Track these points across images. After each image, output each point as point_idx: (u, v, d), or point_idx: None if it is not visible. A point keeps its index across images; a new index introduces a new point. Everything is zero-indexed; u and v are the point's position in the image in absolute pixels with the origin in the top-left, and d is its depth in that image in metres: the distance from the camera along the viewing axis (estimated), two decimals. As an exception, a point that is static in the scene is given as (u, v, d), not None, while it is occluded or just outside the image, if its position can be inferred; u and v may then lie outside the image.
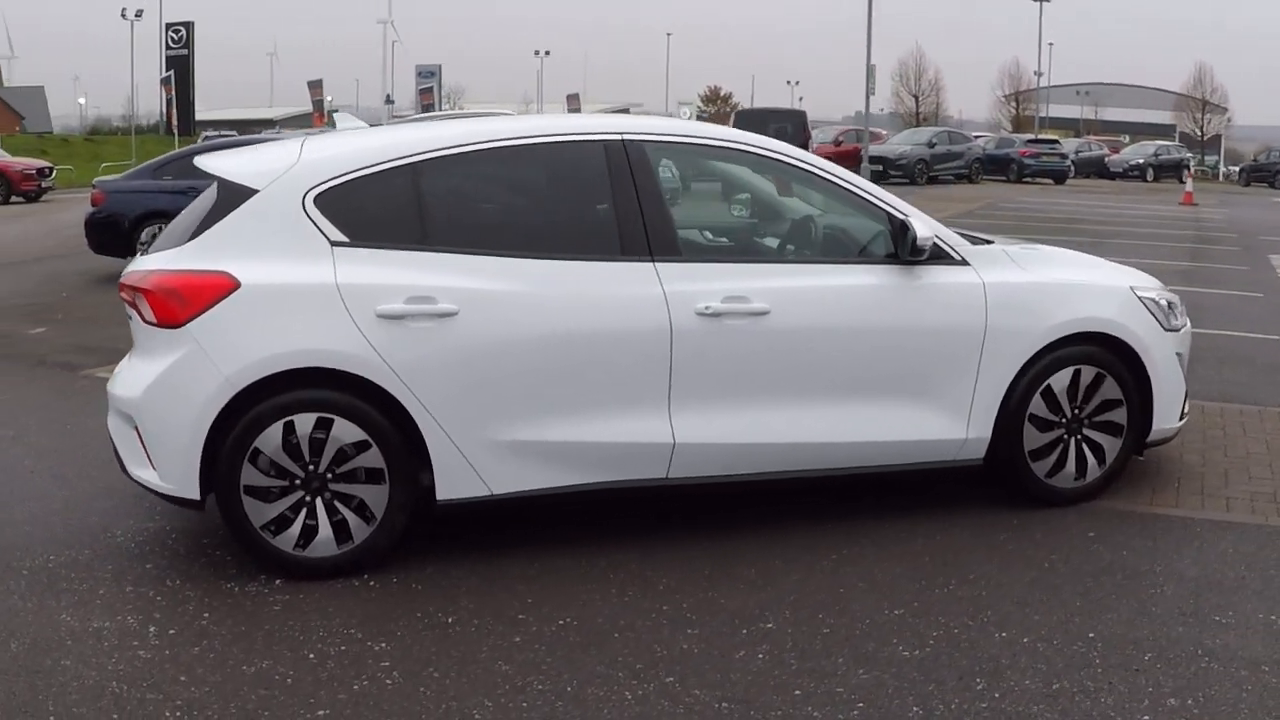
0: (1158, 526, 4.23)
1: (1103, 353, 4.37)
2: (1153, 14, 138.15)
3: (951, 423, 4.20)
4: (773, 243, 4.41)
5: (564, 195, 4.01)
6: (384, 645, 3.27)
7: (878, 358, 4.09)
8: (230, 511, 3.65)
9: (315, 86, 49.85)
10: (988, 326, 4.17)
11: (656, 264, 3.87)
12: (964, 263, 4.23)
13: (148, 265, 3.77)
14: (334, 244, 3.69)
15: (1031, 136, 39.71)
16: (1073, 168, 35.14)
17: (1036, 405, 4.30)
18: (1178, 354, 4.61)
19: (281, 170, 3.76)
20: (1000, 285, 4.22)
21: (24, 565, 3.80)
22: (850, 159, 25.78)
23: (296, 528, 3.68)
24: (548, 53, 76.82)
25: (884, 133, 37.39)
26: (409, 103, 51.60)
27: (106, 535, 4.09)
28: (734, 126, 24.06)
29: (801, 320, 3.98)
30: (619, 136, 3.97)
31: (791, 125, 23.24)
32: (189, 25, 30.06)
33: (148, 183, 11.71)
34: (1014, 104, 70.75)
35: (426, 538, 3.95)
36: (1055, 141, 36.93)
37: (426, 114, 21.61)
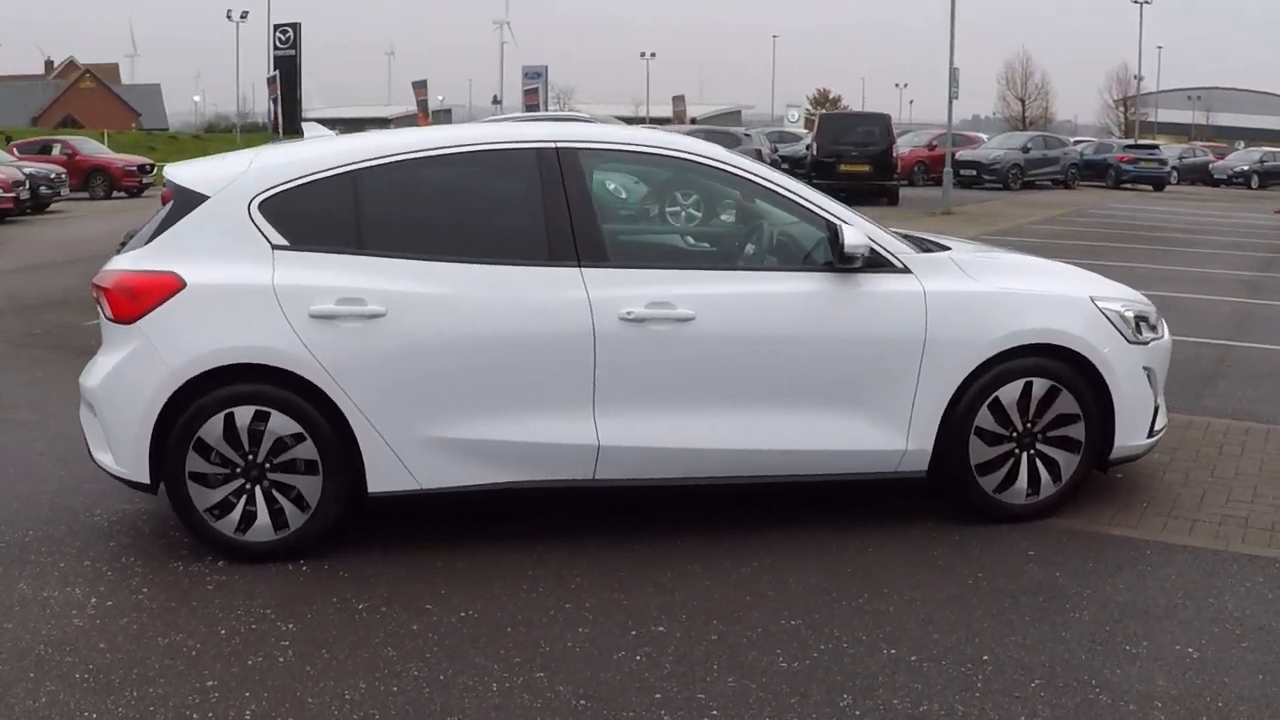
0: (1105, 548, 4.15)
1: (1057, 365, 4.30)
2: (1270, 13, 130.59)
3: (890, 434, 4.19)
4: (708, 249, 4.47)
5: (496, 201, 4.16)
6: (291, 626, 3.48)
7: (810, 366, 4.12)
8: (177, 496, 3.92)
9: (419, 86, 51.40)
10: (928, 336, 4.15)
11: (583, 269, 3.99)
12: (905, 270, 4.22)
13: (113, 266, 4.07)
14: (275, 247, 3.93)
15: (1131, 141, 38.35)
16: (1174, 174, 33.78)
17: (983, 418, 4.26)
18: (1146, 368, 4.50)
19: (231, 178, 4.02)
20: (942, 294, 4.20)
21: (3, 539, 4.13)
22: (943, 163, 25.54)
23: (237, 513, 3.93)
24: (654, 55, 77.34)
25: (982, 136, 36.66)
26: (517, 103, 52.59)
27: (86, 515, 4.42)
28: (817, 129, 24.08)
29: (728, 327, 4.04)
30: (552, 144, 4.11)
31: (876, 128, 22.99)
32: (296, 26, 31.15)
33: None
34: (1122, 109, 68.12)
35: (373, 528, 4.15)
36: (1155, 147, 35.68)
37: (528, 114, 21.69)
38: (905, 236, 5.06)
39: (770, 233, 4.42)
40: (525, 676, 3.16)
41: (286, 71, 30.60)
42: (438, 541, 4.15)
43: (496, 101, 70.41)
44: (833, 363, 4.14)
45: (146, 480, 3.93)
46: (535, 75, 52.03)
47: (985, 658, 3.29)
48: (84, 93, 72.32)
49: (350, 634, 3.43)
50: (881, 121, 23.78)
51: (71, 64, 76.71)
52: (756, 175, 4.26)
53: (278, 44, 31.67)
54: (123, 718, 2.93)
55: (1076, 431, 4.38)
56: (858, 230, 4.12)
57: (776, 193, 4.25)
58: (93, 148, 28.24)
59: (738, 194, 4.57)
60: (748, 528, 4.31)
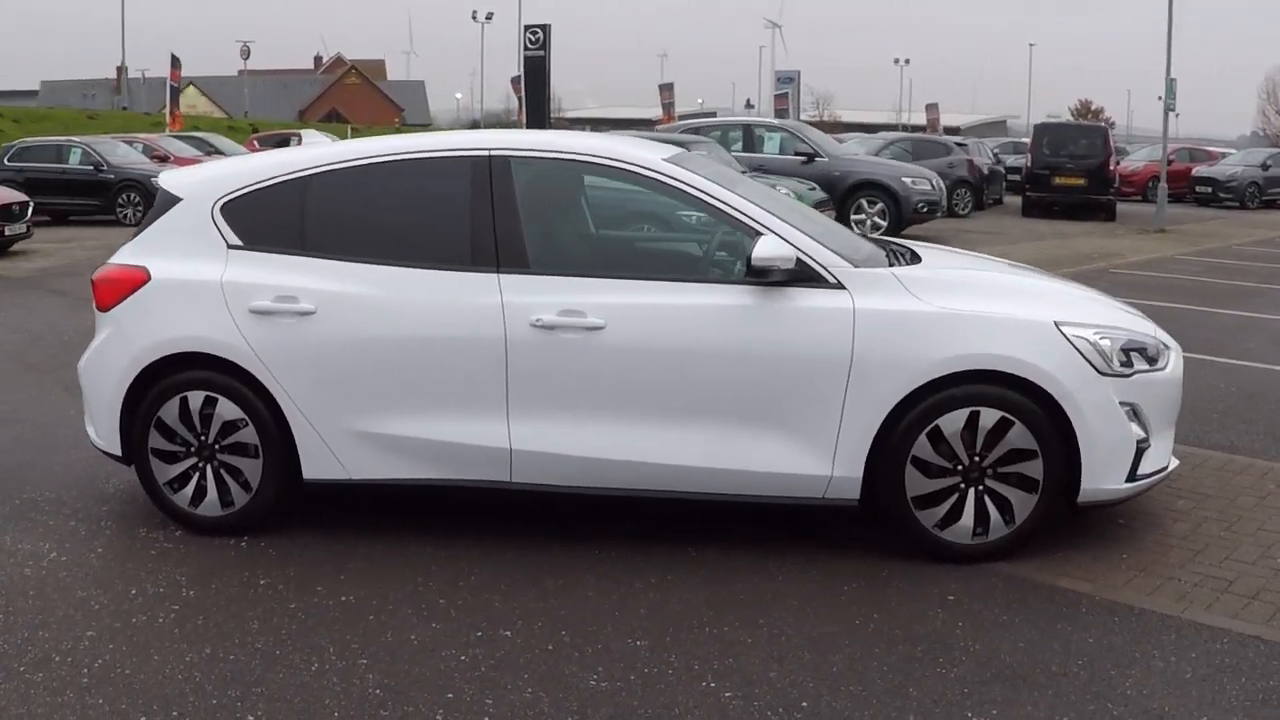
0: (1037, 600, 3.92)
1: (1009, 395, 4.09)
2: None
3: (812, 458, 4.14)
4: (634, 258, 4.54)
5: (429, 207, 4.46)
6: (192, 593, 3.97)
7: (724, 381, 4.14)
8: (141, 468, 4.53)
9: (665, 89, 53.60)
10: (855, 357, 4.07)
11: (501, 275, 4.23)
12: (839, 286, 4.14)
13: (109, 261, 4.71)
14: (230, 247, 4.44)
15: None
16: None
17: (921, 447, 4.12)
18: (1128, 403, 4.17)
19: (202, 182, 4.55)
20: (874, 313, 4.09)
21: (17, 497, 4.91)
22: (1182, 178, 23.84)
23: (191, 488, 4.48)
24: (908, 61, 76.02)
25: (1230, 152, 33.77)
26: (770, 107, 53.28)
27: (96, 480, 5.13)
28: (1032, 141, 22.91)
29: (637, 338, 4.15)
30: (486, 151, 4.37)
31: (1094, 141, 22.08)
32: (545, 28, 32.97)
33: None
34: None
35: (354, 514, 4.59)
36: None
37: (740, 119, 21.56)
38: (891, 247, 4.95)
39: (702, 243, 4.45)
40: (348, 662, 3.46)
41: (535, 71, 32.08)
42: (383, 530, 4.51)
43: (749, 106, 71.53)
44: (749, 379, 4.14)
45: (119, 453, 4.55)
46: (787, 80, 52.54)
47: (805, 704, 3.24)
48: (350, 88, 79.47)
49: (234, 606, 3.86)
50: (1099, 134, 22.94)
51: (339, 60, 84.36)
52: (681, 181, 4.30)
53: (528, 44, 33.45)
54: (1, 654, 3.48)
55: (1033, 469, 4.14)
56: (775, 242, 4.09)
57: (703, 200, 4.29)
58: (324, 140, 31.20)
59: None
60: (676, 542, 4.38)
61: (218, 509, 4.48)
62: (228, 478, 4.46)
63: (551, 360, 4.20)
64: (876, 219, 15.86)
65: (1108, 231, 18.78)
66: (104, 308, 4.54)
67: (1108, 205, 21.22)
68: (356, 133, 45.52)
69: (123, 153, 21.51)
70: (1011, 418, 4.10)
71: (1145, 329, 4.47)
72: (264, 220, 4.48)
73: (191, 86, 72.79)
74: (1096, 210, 21.07)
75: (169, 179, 4.70)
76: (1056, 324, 4.16)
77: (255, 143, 30.74)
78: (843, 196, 15.76)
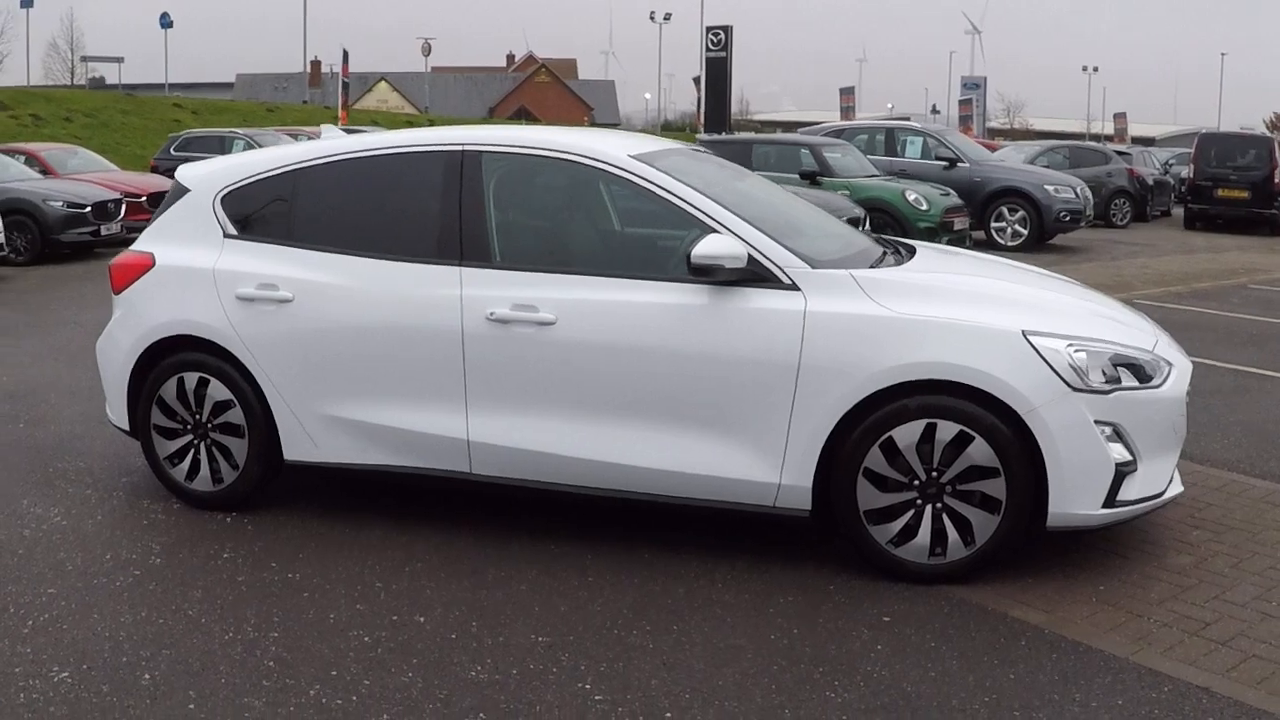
0: (973, 630, 3.75)
1: (968, 407, 3.93)
2: None
3: (760, 464, 4.11)
4: (597, 253, 4.57)
5: (404, 200, 4.66)
6: (158, 561, 4.34)
7: (671, 381, 4.16)
8: (144, 443, 4.95)
9: (846, 93, 53.35)
10: (803, 361, 4.01)
11: (463, 268, 4.39)
12: (792, 287, 4.08)
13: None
14: (226, 236, 4.79)
15: None
16: None
17: (875, 459, 4.02)
18: (1105, 422, 3.93)
19: (208, 174, 4.93)
20: (825, 316, 4.02)
21: (52, 465, 5.44)
22: None
23: (186, 463, 4.87)
24: (1095, 69, 74.70)
25: None
26: (955, 114, 52.25)
27: (126, 456, 5.59)
28: (1195, 151, 21.42)
29: (588, 334, 4.21)
30: (459, 147, 4.53)
31: (1259, 152, 20.75)
32: (727, 29, 33.46)
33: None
34: None
35: (355, 496, 4.90)
36: None
37: (822, 125, 21.03)
38: (894, 247, 4.86)
39: (663, 240, 4.46)
40: (260, 634, 3.70)
41: (717, 73, 32.51)
42: (362, 512, 4.78)
43: (935, 112, 69.97)
44: (698, 380, 4.14)
45: (127, 428, 4.99)
46: (973, 86, 51.27)
47: (669, 714, 3.22)
48: (539, 86, 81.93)
49: (189, 575, 4.19)
50: (1265, 145, 21.48)
51: (530, 58, 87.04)
52: (642, 177, 4.33)
53: (709, 45, 33.94)
54: (-28, 603, 3.92)
55: (995, 488, 3.96)
56: (722, 239, 4.06)
57: (663, 197, 4.30)
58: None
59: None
60: (643, 543, 4.44)
61: (210, 484, 4.84)
62: (218, 455, 4.82)
63: (505, 354, 4.33)
64: (1017, 227, 15.29)
65: (1267, 247, 17.38)
66: (116, 291, 4.98)
67: (1271, 220, 19.94)
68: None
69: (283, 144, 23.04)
70: (971, 432, 3.94)
71: (1141, 344, 4.19)
72: (256, 211, 4.80)
73: (384, 82, 77.07)
74: (1260, 225, 19.93)
75: (183, 171, 5.10)
76: (1025, 333, 3.96)
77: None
78: (983, 203, 15.36)
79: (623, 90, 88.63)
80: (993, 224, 15.39)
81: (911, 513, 4.05)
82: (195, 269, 4.77)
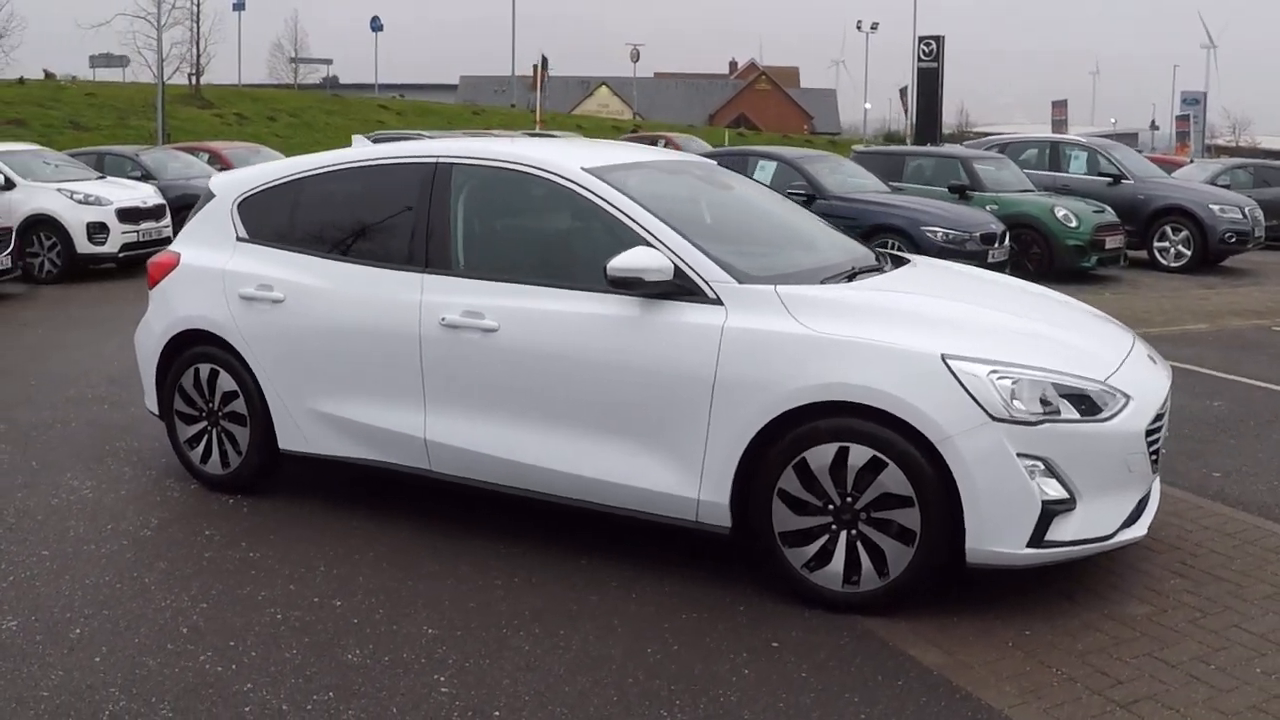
0: (857, 666, 3.70)
1: (882, 432, 3.88)
2: None
3: (682, 479, 4.20)
4: (545, 263, 4.73)
5: (384, 209, 5.01)
6: (148, 534, 4.89)
7: (600, 391, 4.31)
8: (168, 427, 5.53)
9: (1059, 106, 51.48)
10: (718, 377, 4.08)
11: (425, 275, 4.71)
12: (716, 301, 4.16)
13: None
14: (238, 239, 5.32)
15: None
16: None
17: (789, 480, 4.04)
18: (1030, 455, 3.79)
19: (231, 181, 5.48)
20: (742, 332, 4.07)
21: (109, 445, 6.16)
22: None
23: (201, 447, 5.42)
24: None
25: None
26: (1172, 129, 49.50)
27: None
28: None
29: (525, 341, 4.44)
30: (434, 159, 4.86)
31: None
32: (939, 39, 33.27)
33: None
34: None
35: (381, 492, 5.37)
36: None
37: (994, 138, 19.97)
38: (882, 258, 4.92)
39: (606, 252, 4.57)
40: (191, 604, 4.13)
41: (928, 83, 32.41)
42: (349, 502, 5.19)
43: (1154, 127, 66.21)
44: (623, 391, 4.27)
45: (157, 412, 5.60)
46: (1192, 102, 48.64)
47: (496, 713, 3.38)
48: (760, 94, 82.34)
49: (166, 549, 4.69)
50: None
51: (752, 66, 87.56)
52: (589, 190, 4.49)
53: (921, 56, 33.84)
54: (-27, 558, 4.57)
55: (909, 518, 3.88)
56: (643, 253, 4.17)
57: (606, 210, 4.44)
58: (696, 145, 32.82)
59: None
60: (608, 553, 4.61)
61: (219, 468, 5.38)
62: (226, 442, 5.34)
63: (455, 358, 4.61)
64: (1180, 248, 14.28)
65: None
66: (150, 286, 5.61)
67: None
68: (741, 139, 47.41)
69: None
70: (884, 458, 3.88)
71: (1090, 374, 3.98)
72: (263, 217, 5.30)
73: (604, 86, 79.58)
74: None
75: (215, 178, 5.68)
76: (944, 357, 3.86)
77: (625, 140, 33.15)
78: (1146, 222, 14.45)
79: (847, 99, 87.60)
80: (1155, 244, 14.49)
81: (826, 537, 4.03)
82: (209, 269, 5.32)
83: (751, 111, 78.58)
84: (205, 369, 5.34)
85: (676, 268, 4.21)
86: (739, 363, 4.07)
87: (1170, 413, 4.82)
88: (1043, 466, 3.83)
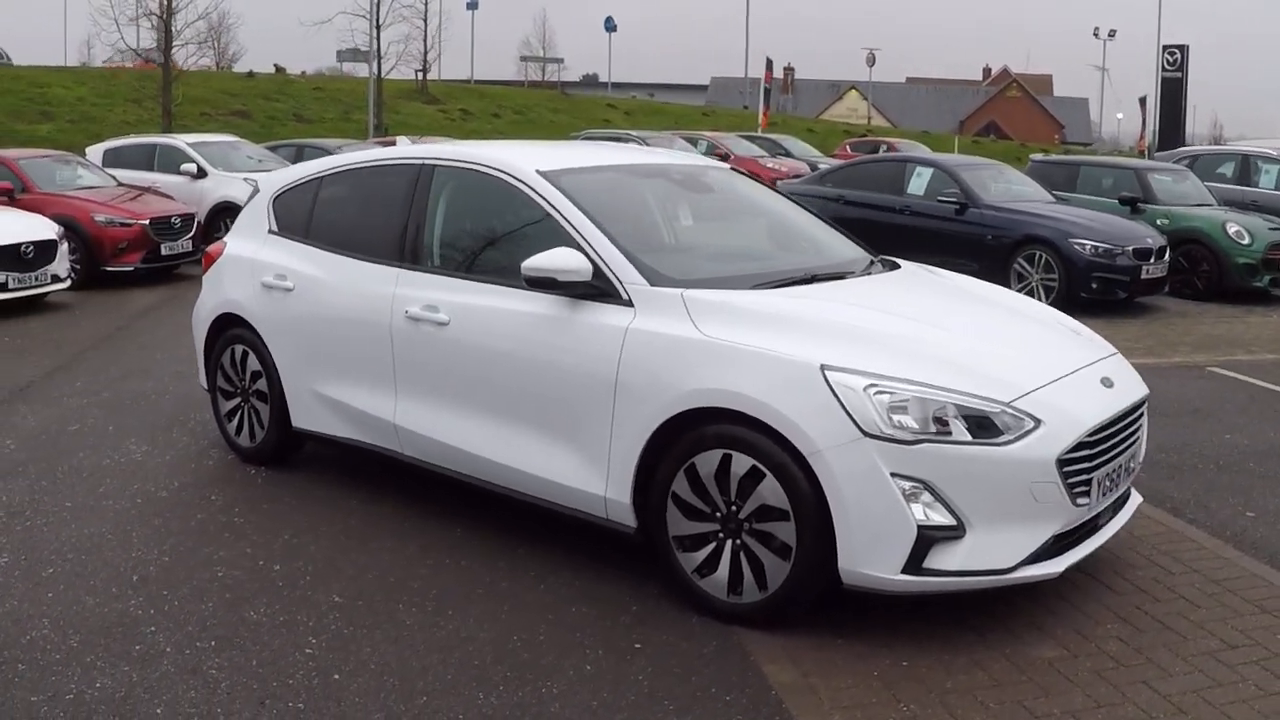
0: (695, 675, 3.72)
1: (762, 442, 3.88)
2: None
3: (590, 476, 4.35)
4: (497, 261, 4.92)
5: (380, 207, 5.37)
6: (164, 494, 5.49)
7: (527, 386, 4.52)
8: (212, 400, 6.17)
9: None
10: (619, 378, 4.20)
11: (400, 269, 5.06)
12: (628, 304, 4.27)
13: (226, 238, 6.43)
14: (269, 232, 5.87)
15: None
16: None
17: (680, 485, 4.11)
18: (909, 476, 3.69)
19: (272, 179, 6.05)
20: (642, 334, 4.18)
21: (186, 415, 6.91)
22: None
23: (236, 421, 6.01)
24: None
25: None
26: None
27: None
28: None
29: (470, 335, 4.70)
30: (421, 161, 5.21)
31: None
32: (1183, 49, 31.69)
33: (813, 188, 14.24)
34: None
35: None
36: None
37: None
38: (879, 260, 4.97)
39: (542, 249, 4.70)
40: (155, 556, 4.64)
41: (1171, 93, 31.54)
42: (363, 484, 5.62)
43: None
44: (545, 388, 4.45)
45: (206, 386, 6.25)
46: None
47: (336, 677, 3.65)
48: (1010, 102, 79.10)
49: (171, 510, 5.25)
50: None
51: (1005, 72, 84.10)
52: (535, 191, 4.67)
53: (1165, 65, 32.64)
54: (11, 498, 5.29)
55: (786, 532, 3.86)
56: (558, 255, 4.31)
57: (548, 211, 4.60)
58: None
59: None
60: (532, 535, 4.84)
61: (249, 441, 5.95)
62: (253, 417, 5.91)
63: (417, 349, 4.93)
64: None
65: None
66: (203, 272, 6.26)
67: None
68: (977, 148, 45.57)
69: (677, 147, 24.69)
70: (763, 469, 3.88)
71: (993, 394, 3.80)
72: (289, 212, 5.82)
73: (854, 90, 78.57)
74: None
75: (264, 177, 6.26)
76: (823, 367, 3.81)
77: (848, 148, 32.78)
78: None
79: (1104, 108, 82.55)
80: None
81: (714, 545, 4.06)
82: (244, 258, 5.89)
83: (1002, 119, 75.55)
84: (239, 350, 5.91)
85: (597, 269, 4.36)
86: (637, 365, 4.16)
87: (1144, 441, 4.54)
88: (921, 488, 3.71)
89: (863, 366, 3.82)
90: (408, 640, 3.94)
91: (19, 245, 10.29)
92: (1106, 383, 4.28)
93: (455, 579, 4.47)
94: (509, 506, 4.97)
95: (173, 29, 28.26)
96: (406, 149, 5.49)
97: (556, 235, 4.56)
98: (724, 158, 26.61)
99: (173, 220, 12.73)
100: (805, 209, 5.81)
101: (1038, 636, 3.98)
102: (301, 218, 5.77)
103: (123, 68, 29.08)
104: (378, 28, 34.41)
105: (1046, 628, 4.05)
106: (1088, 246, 10.93)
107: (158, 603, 4.22)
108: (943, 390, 3.79)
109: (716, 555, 4.06)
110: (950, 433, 3.73)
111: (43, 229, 10.68)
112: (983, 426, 3.75)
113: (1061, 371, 4.16)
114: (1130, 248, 11.00)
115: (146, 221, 12.38)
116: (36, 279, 10.50)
